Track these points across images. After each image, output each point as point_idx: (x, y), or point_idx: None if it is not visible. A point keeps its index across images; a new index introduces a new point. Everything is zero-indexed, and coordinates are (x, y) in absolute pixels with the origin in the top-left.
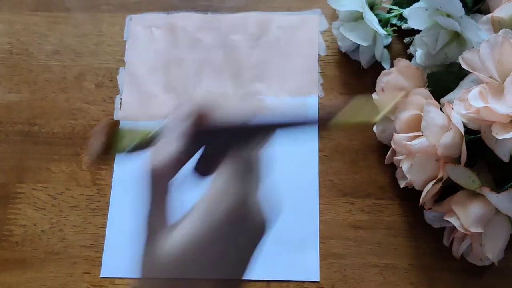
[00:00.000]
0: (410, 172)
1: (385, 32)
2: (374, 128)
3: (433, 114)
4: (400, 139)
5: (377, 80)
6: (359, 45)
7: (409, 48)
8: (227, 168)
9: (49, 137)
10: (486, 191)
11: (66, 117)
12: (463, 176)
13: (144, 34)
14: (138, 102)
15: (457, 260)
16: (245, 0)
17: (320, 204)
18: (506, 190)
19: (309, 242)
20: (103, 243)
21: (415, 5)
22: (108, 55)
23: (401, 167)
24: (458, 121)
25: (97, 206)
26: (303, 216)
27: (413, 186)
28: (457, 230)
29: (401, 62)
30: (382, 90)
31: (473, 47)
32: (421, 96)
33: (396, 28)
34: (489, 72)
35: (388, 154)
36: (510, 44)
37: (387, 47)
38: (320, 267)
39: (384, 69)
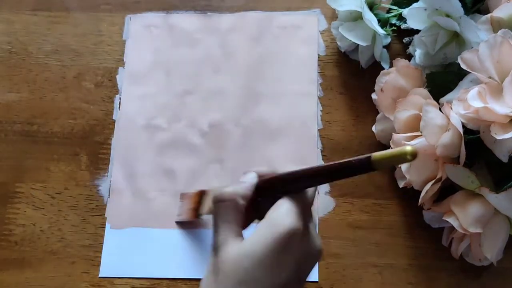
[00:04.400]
0: (409, 172)
1: (384, 32)
2: (373, 128)
3: (432, 114)
4: (399, 139)
5: (376, 80)
6: (358, 45)
7: (408, 48)
8: None
9: (48, 136)
10: (485, 191)
11: (65, 117)
12: (462, 176)
13: (143, 34)
14: (137, 102)
15: (456, 260)
16: (244, 0)
17: (318, 204)
18: (505, 190)
19: None
20: (102, 243)
21: (415, 5)
22: (107, 55)
23: (400, 167)
24: (457, 121)
25: (96, 205)
26: None
27: (412, 186)
28: (456, 230)
29: (400, 62)
30: (381, 90)
31: (472, 47)
32: (420, 96)
33: (395, 28)
34: (488, 72)
35: None
36: (509, 44)
37: (387, 47)
38: (319, 267)
39: (383, 69)
